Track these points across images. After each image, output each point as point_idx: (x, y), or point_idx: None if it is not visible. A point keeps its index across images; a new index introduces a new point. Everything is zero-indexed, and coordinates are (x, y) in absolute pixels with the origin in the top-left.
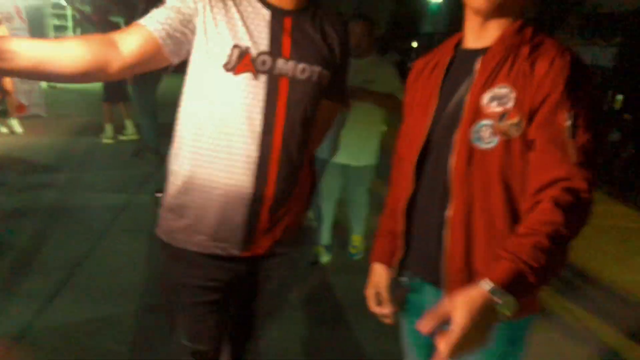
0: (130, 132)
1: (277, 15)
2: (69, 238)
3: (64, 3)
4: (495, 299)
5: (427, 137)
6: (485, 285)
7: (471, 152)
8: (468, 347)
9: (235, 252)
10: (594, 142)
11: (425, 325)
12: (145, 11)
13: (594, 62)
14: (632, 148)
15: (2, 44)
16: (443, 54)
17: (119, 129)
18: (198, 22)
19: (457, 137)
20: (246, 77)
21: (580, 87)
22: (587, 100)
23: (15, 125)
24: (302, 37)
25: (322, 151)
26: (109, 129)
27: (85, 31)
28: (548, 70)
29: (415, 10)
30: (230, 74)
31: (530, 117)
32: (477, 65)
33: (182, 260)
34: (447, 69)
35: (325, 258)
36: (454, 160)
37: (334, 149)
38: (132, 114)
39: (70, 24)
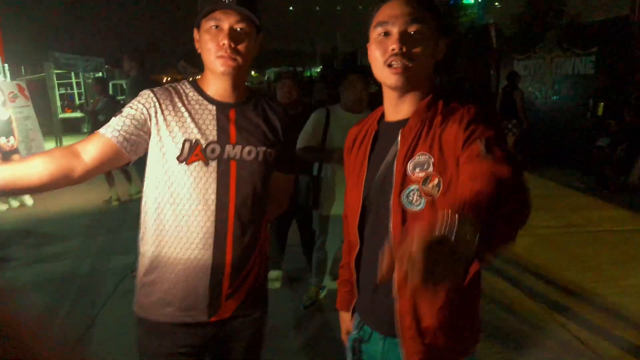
0: (134, 191)
1: (222, 108)
2: (77, 306)
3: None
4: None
5: (363, 201)
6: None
7: (405, 216)
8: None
9: (203, 318)
10: (508, 154)
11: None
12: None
13: (574, 72)
14: (621, 151)
15: None
16: (370, 127)
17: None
18: (152, 125)
19: (392, 203)
20: (198, 164)
21: (486, 121)
22: (494, 130)
23: (26, 198)
24: (246, 124)
25: (322, 209)
26: (113, 192)
27: (93, 95)
28: (460, 119)
29: None
30: (183, 164)
31: (450, 167)
32: (399, 137)
33: (156, 332)
34: (374, 140)
35: (323, 293)
36: (392, 225)
37: (329, 204)
38: (133, 175)
39: (75, 91)
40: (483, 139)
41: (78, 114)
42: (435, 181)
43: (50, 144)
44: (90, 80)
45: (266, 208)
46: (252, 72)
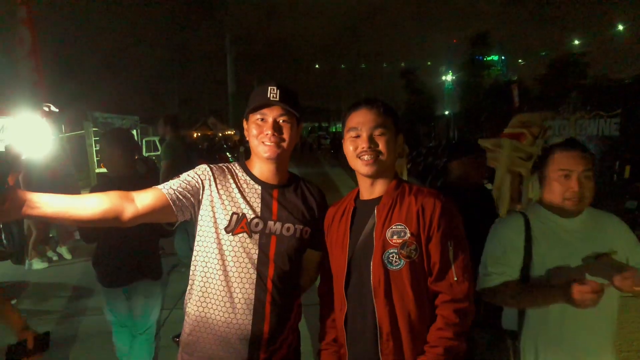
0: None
1: (267, 188)
2: None
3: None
4: None
5: (348, 264)
6: None
7: (386, 273)
8: None
9: None
10: (466, 258)
11: None
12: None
13: (599, 133)
14: None
15: (30, 195)
16: (348, 204)
17: None
18: (204, 196)
19: (373, 262)
20: (243, 236)
21: (454, 221)
22: (459, 229)
23: (64, 252)
24: (287, 203)
25: None
26: None
27: None
28: (433, 212)
29: (430, 95)
30: (230, 235)
31: (425, 242)
32: (375, 212)
33: None
34: (353, 215)
35: None
36: (374, 280)
37: None
38: None
39: None
40: (452, 241)
41: None
42: (413, 246)
43: None
44: None
45: (299, 282)
46: None
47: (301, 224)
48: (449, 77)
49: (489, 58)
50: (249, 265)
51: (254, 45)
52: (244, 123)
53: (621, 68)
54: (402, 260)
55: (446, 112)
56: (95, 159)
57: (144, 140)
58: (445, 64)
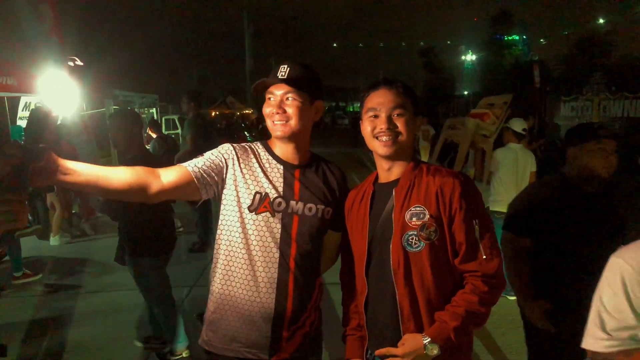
0: (178, 225)
1: (289, 168)
2: (137, 336)
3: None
4: (427, 344)
5: (368, 247)
6: (424, 338)
7: (405, 255)
8: None
9: (265, 357)
10: (493, 236)
11: (381, 351)
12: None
13: (625, 115)
14: None
15: (63, 162)
16: (367, 188)
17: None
18: (227, 175)
19: (392, 244)
20: (266, 215)
21: (475, 199)
22: (482, 208)
23: (87, 228)
24: (309, 184)
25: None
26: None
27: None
28: (452, 192)
29: (450, 74)
30: (253, 214)
31: (448, 224)
32: (393, 194)
33: None
34: (372, 199)
35: None
36: (393, 262)
37: None
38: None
39: None
40: (477, 220)
41: None
42: (433, 228)
43: None
44: (144, 116)
45: (320, 262)
46: None
47: (323, 204)
48: (468, 57)
49: (510, 37)
50: (272, 245)
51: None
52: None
53: None
54: (422, 242)
55: (465, 92)
56: None
57: (163, 119)
58: (465, 43)
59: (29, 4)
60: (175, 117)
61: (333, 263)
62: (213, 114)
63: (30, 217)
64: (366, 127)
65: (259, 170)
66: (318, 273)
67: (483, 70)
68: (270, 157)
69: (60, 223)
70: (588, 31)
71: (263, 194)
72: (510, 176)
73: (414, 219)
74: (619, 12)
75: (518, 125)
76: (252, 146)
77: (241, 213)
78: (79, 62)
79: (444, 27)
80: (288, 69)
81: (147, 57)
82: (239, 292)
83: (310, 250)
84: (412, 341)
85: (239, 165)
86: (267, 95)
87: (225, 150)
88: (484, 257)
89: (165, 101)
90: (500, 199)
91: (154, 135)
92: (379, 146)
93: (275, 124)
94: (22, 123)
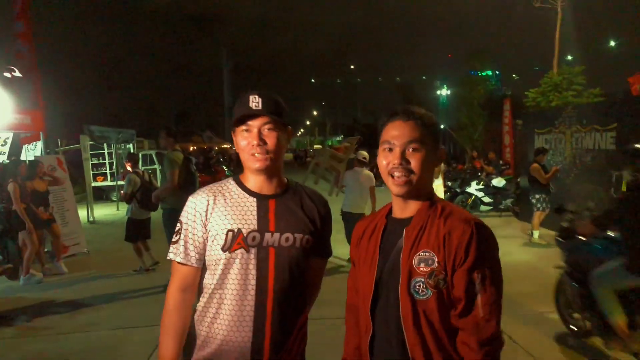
0: (149, 263)
1: (262, 199)
2: None
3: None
4: None
5: (376, 286)
6: None
7: (413, 303)
8: None
9: None
10: (496, 292)
11: None
12: None
13: (596, 147)
14: None
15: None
16: (379, 221)
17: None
18: (206, 224)
19: (400, 291)
20: (240, 252)
21: (486, 249)
22: (492, 259)
23: (62, 266)
24: (285, 213)
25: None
26: (143, 261)
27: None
28: (460, 239)
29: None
30: (227, 252)
31: (451, 273)
32: (404, 234)
33: None
34: (383, 233)
35: None
36: (402, 310)
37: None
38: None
39: (107, 160)
40: (481, 272)
41: (108, 183)
42: (441, 276)
43: (82, 212)
44: (121, 151)
45: (305, 293)
46: None
47: (301, 232)
48: (443, 92)
49: (484, 73)
50: (247, 282)
51: (250, 59)
52: (233, 136)
53: (614, 83)
54: (429, 291)
55: (442, 126)
56: (91, 172)
57: (140, 154)
58: (440, 78)
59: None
60: (153, 153)
61: (318, 291)
62: (191, 148)
63: (0, 257)
64: (381, 162)
65: (230, 207)
66: (303, 304)
67: (458, 104)
68: (242, 192)
69: (32, 262)
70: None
71: (235, 230)
72: (355, 189)
73: (422, 264)
74: (586, 50)
75: (361, 155)
76: (224, 183)
77: (216, 254)
78: (17, 74)
79: (419, 64)
80: (260, 99)
81: (124, 92)
82: (218, 332)
83: (290, 282)
84: None
85: (212, 208)
86: (242, 127)
87: (194, 209)
88: (481, 316)
89: (142, 136)
90: (349, 204)
91: (131, 170)
92: (392, 184)
93: (254, 157)
94: None
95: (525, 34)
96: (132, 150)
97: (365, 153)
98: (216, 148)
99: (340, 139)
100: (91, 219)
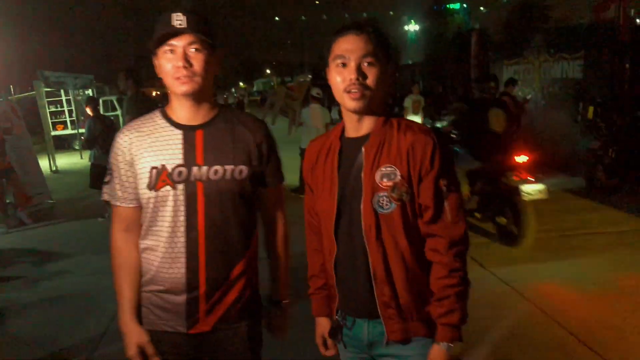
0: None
1: (189, 130)
2: (85, 323)
3: (57, 91)
4: (449, 349)
5: (337, 207)
6: (443, 346)
7: (376, 217)
8: None
9: (182, 329)
10: (459, 197)
11: None
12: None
13: (564, 76)
14: (612, 154)
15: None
16: (333, 142)
17: None
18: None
19: (363, 206)
20: (166, 189)
21: (446, 159)
22: (452, 168)
23: (24, 217)
24: (214, 144)
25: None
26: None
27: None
28: (424, 150)
29: (394, 45)
30: (152, 192)
31: (417, 183)
32: (363, 151)
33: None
34: (339, 154)
35: None
36: (365, 225)
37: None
38: None
39: (65, 108)
40: (445, 180)
41: (69, 131)
42: (404, 188)
43: (43, 162)
44: (80, 98)
45: (250, 227)
46: (241, 84)
47: (232, 163)
48: (411, 27)
49: (450, 6)
50: (176, 219)
51: None
52: (154, 60)
53: (581, 14)
54: (393, 204)
55: (410, 62)
56: (49, 120)
57: (100, 100)
58: (407, 13)
59: None
60: (114, 98)
61: (279, 222)
62: (153, 93)
63: None
64: (334, 77)
65: (154, 142)
66: (245, 239)
67: (426, 40)
68: (167, 124)
69: None
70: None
71: (159, 167)
72: (311, 125)
73: (385, 179)
74: None
75: (314, 91)
76: (150, 117)
77: (143, 193)
78: None
79: None
80: (185, 17)
81: (79, 35)
82: (155, 269)
83: (223, 217)
84: (436, 356)
85: (131, 148)
86: (165, 48)
87: (118, 148)
88: (450, 219)
89: (102, 81)
90: (307, 140)
91: (91, 114)
92: (348, 100)
93: (177, 80)
94: None
95: None
96: (92, 95)
97: (318, 89)
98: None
99: (308, 78)
100: (54, 169)
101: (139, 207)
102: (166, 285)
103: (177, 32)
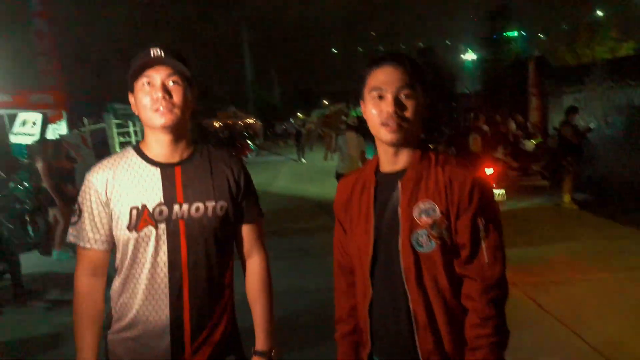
0: None
1: (167, 168)
2: None
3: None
4: None
5: (374, 246)
6: None
7: (416, 257)
8: None
9: None
10: (499, 237)
11: None
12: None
13: (630, 103)
14: None
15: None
16: (368, 177)
17: None
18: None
19: (401, 245)
20: (148, 229)
21: (486, 195)
22: (492, 204)
23: None
24: (193, 180)
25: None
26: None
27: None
28: (463, 186)
29: (450, 73)
30: (134, 232)
31: (454, 220)
32: (399, 186)
33: None
34: (375, 190)
35: None
36: (404, 265)
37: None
38: None
39: (133, 138)
40: (484, 219)
41: None
42: (444, 225)
43: None
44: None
45: (230, 264)
46: (299, 114)
47: (213, 199)
48: (468, 56)
49: (508, 34)
50: (159, 259)
51: (270, 32)
52: (130, 97)
53: None
54: (433, 242)
55: (467, 90)
56: (118, 150)
57: None
58: (463, 41)
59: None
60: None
61: (260, 259)
62: (217, 124)
63: (31, 233)
64: (370, 110)
65: (131, 181)
66: (224, 276)
67: (483, 68)
68: (143, 162)
69: (64, 237)
70: (585, 25)
71: (140, 207)
72: (346, 152)
73: (424, 215)
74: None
75: (350, 120)
76: (121, 157)
77: (122, 234)
78: None
79: (442, 28)
80: (162, 50)
81: None
82: (133, 312)
83: (206, 254)
84: None
85: (106, 190)
86: (143, 80)
87: (90, 188)
88: (486, 260)
89: None
90: (342, 165)
91: None
92: (385, 133)
93: (156, 112)
94: (18, 139)
95: None
96: None
97: (354, 117)
98: (241, 123)
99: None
100: None
101: (108, 251)
102: (148, 329)
103: (156, 62)
